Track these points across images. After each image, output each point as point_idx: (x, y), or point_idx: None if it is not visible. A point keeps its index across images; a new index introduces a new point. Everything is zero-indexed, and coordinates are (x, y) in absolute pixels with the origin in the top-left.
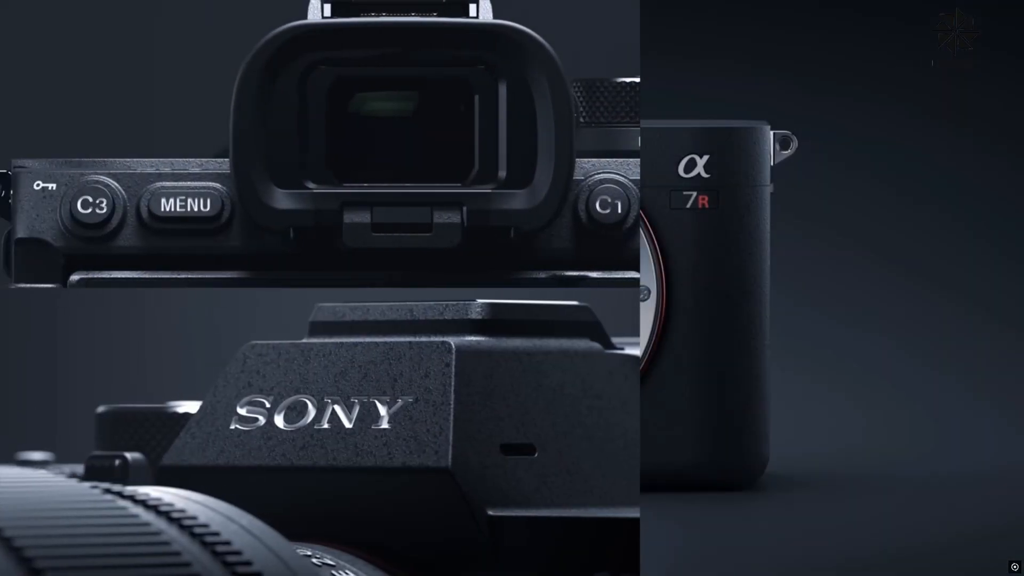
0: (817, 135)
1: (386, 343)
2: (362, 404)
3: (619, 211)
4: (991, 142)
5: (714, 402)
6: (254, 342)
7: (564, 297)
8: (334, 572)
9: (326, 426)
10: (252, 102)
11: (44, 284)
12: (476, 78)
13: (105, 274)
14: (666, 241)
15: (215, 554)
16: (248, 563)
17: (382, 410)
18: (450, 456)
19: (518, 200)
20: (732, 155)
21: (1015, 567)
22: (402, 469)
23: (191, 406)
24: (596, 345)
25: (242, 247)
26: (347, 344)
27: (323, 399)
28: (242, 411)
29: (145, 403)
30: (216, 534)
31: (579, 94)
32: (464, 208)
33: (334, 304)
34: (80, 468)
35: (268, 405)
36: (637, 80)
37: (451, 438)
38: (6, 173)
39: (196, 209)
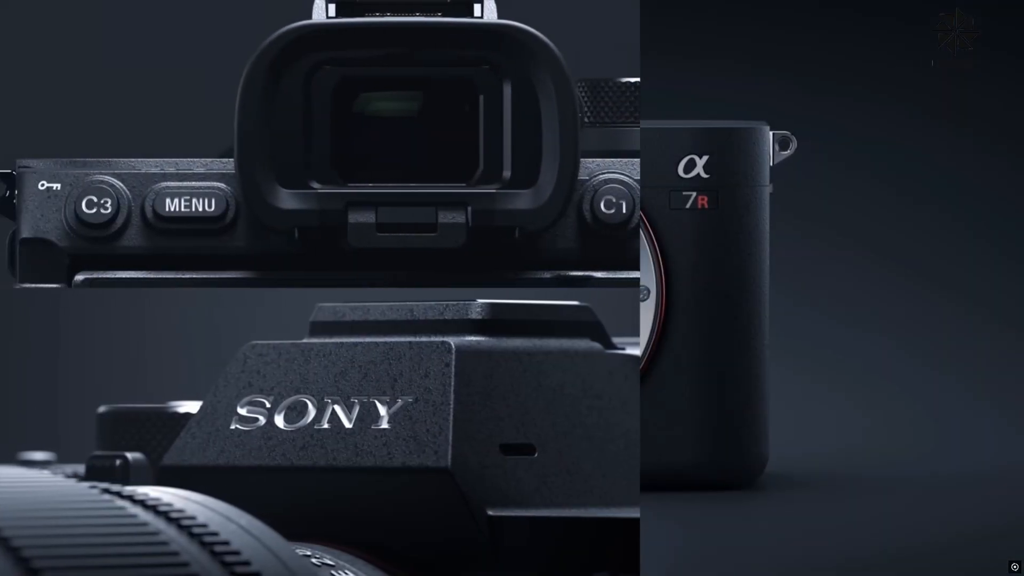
0: (817, 135)
1: (386, 343)
2: (362, 404)
3: (623, 211)
4: (991, 142)
5: (714, 402)
6: (254, 342)
7: (565, 297)
8: (333, 572)
9: (326, 426)
10: (257, 102)
11: (49, 284)
12: (481, 78)
13: (110, 274)
14: (666, 241)
15: (213, 554)
16: (247, 563)
17: (382, 410)
18: (450, 456)
19: (523, 200)
20: (732, 155)
21: (1015, 567)
22: (402, 469)
23: (192, 406)
24: (596, 345)
25: (247, 247)
26: (347, 344)
27: (323, 399)
28: (242, 411)
29: (146, 403)
30: (215, 534)
31: (584, 94)
32: (469, 208)
33: (334, 304)
34: (81, 468)
35: (268, 405)
36: (638, 80)
37: (451, 438)
38: (11, 173)
39: (201, 209)
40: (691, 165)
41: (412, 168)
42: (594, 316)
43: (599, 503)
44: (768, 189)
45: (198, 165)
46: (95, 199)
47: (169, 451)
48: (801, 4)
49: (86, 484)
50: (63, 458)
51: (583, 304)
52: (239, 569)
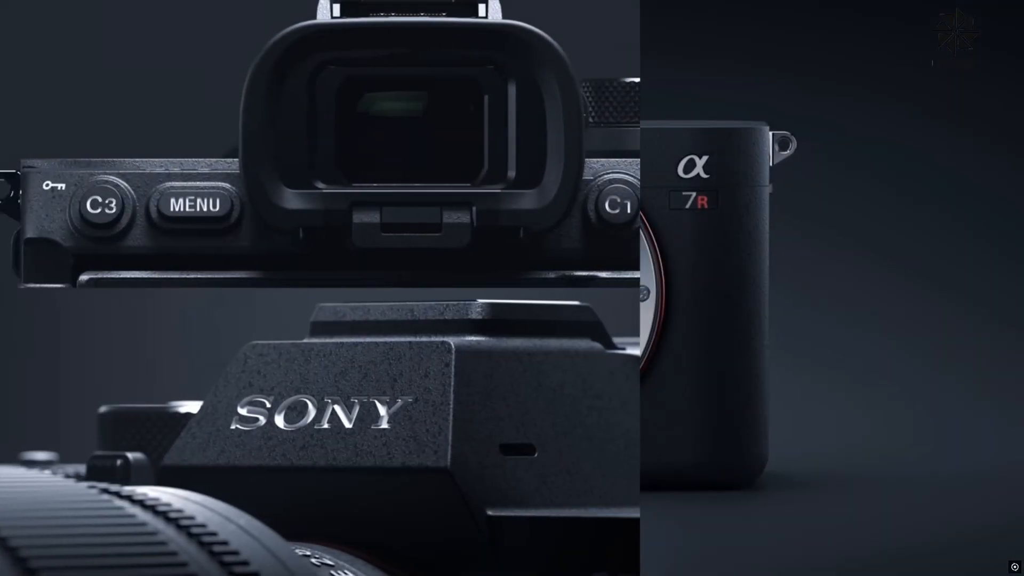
0: (817, 135)
1: (386, 343)
2: (362, 404)
3: (628, 211)
4: (991, 142)
5: (713, 402)
6: (255, 342)
7: (565, 297)
8: (333, 572)
9: (326, 426)
10: (261, 102)
11: (53, 284)
12: (485, 78)
13: (114, 274)
14: (665, 241)
15: (212, 554)
16: (245, 563)
17: (382, 410)
18: (449, 456)
19: (527, 200)
20: (731, 155)
21: (1015, 567)
22: (401, 469)
23: (193, 406)
24: (597, 345)
25: (251, 247)
26: (347, 344)
27: (323, 399)
28: (243, 411)
29: (147, 403)
30: (213, 534)
31: (588, 94)
32: (473, 208)
33: (335, 304)
34: (83, 468)
35: (268, 405)
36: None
37: (450, 438)
38: (15, 173)
39: (205, 209)
40: (691, 165)
41: (417, 168)
42: (594, 316)
43: (599, 503)
44: (768, 189)
45: (203, 165)
46: (100, 199)
47: (169, 451)
48: (801, 4)
49: (84, 484)
50: (65, 458)
51: (583, 304)
52: (238, 569)
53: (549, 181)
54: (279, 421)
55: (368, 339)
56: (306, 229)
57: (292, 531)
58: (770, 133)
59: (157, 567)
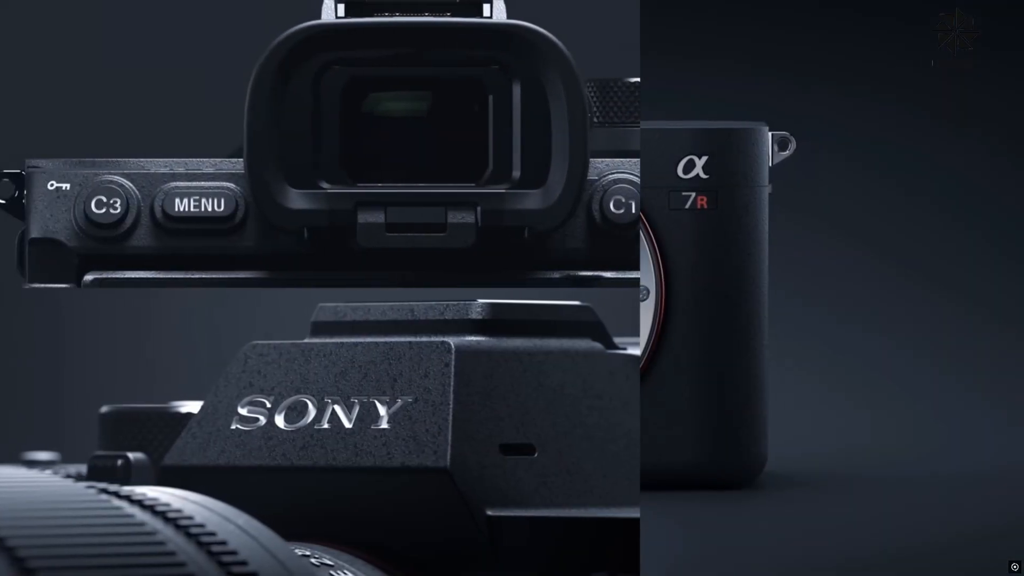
0: (816, 135)
1: (386, 343)
2: (362, 404)
3: (633, 211)
4: (991, 142)
5: (713, 402)
6: (255, 342)
7: (565, 297)
8: (332, 572)
9: (326, 426)
10: (266, 102)
11: (58, 284)
12: (490, 78)
13: (119, 274)
14: (665, 241)
15: (210, 554)
16: (244, 563)
17: (382, 410)
18: (448, 456)
19: (532, 200)
20: (731, 156)
21: (1015, 567)
22: (401, 469)
23: (194, 406)
24: (597, 345)
25: (256, 247)
26: (347, 344)
27: (323, 399)
28: (243, 411)
29: (148, 403)
30: (212, 534)
31: (593, 94)
32: (478, 208)
33: (335, 304)
34: (84, 468)
35: (269, 405)
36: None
37: (450, 438)
38: (20, 173)
39: (210, 209)
40: (690, 165)
41: (421, 168)
42: (595, 316)
43: (599, 503)
44: (767, 189)
45: (207, 165)
46: (104, 199)
47: (170, 451)
48: (801, 4)
49: (83, 484)
50: (67, 458)
51: (584, 304)
52: (236, 569)
53: (554, 181)
54: (279, 421)
55: (368, 339)
56: (311, 229)
57: (292, 531)
58: (769, 133)
59: (155, 567)
